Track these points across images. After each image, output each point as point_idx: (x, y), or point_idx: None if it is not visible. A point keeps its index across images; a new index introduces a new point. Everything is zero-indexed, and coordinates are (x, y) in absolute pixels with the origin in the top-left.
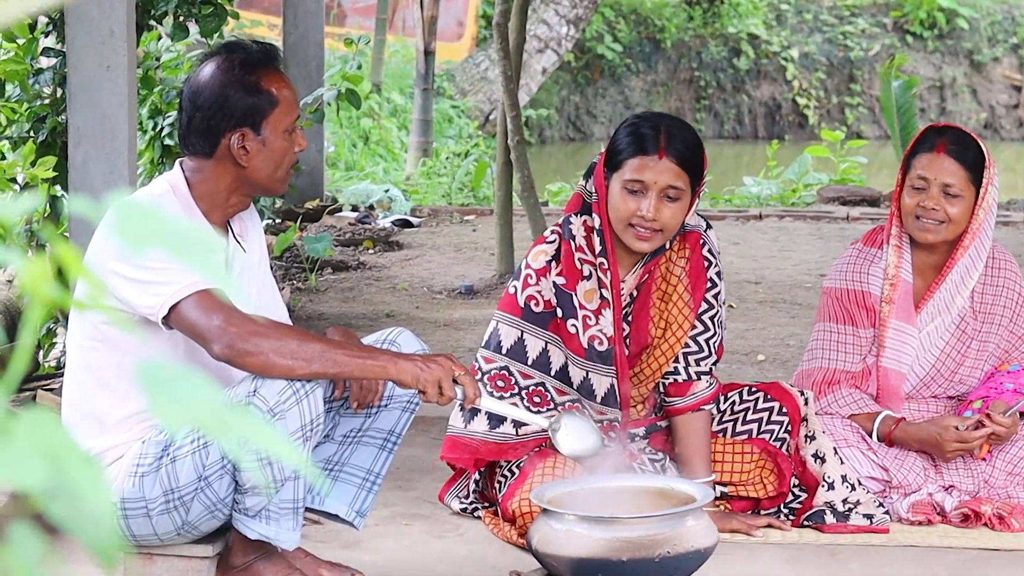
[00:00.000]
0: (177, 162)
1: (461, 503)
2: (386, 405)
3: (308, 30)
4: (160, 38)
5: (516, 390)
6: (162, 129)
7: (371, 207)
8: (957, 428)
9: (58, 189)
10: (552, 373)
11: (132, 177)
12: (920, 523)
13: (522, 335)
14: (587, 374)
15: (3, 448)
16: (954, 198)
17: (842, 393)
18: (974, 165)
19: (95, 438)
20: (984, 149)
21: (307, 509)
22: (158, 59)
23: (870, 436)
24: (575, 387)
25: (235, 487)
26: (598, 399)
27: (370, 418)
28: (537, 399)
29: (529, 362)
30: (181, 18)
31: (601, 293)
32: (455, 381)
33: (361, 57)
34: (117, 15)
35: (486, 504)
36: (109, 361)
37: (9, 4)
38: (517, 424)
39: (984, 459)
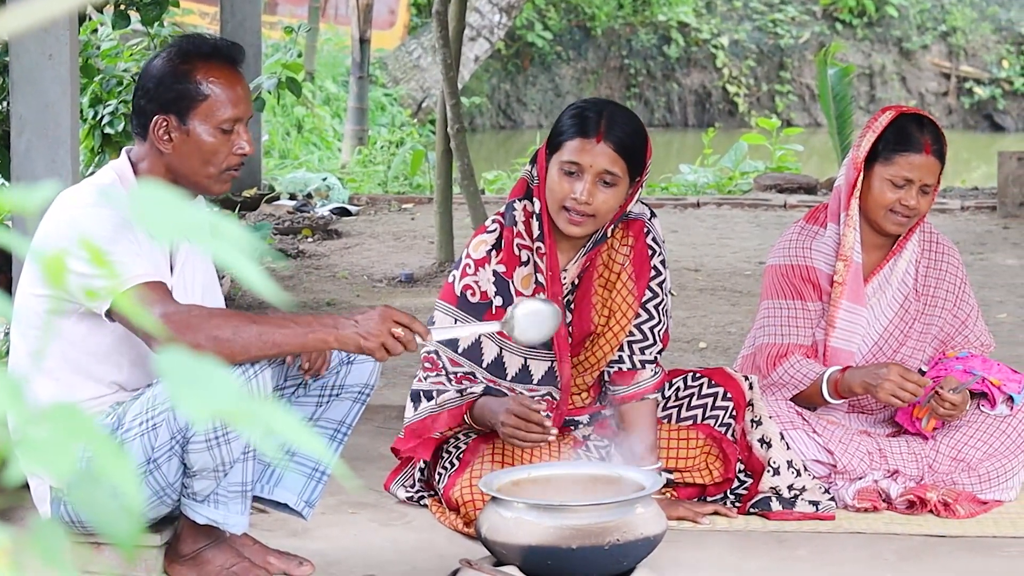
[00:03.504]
0: (124, 150)
1: (407, 492)
2: (337, 395)
3: (245, 18)
4: (96, 29)
5: (443, 373)
6: (102, 118)
7: (309, 195)
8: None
9: None
10: (483, 364)
11: (75, 165)
12: (866, 510)
13: (455, 323)
14: (525, 361)
15: (34, 437)
16: (927, 193)
17: (792, 361)
18: (943, 157)
19: None
20: (944, 136)
21: (255, 498)
22: (98, 48)
23: (824, 396)
24: (509, 377)
25: (183, 471)
26: (534, 381)
27: (321, 407)
28: (466, 382)
29: (459, 350)
30: (122, 6)
31: (537, 278)
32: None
33: (297, 46)
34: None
35: (432, 493)
36: (53, 350)
37: None
38: (438, 394)
39: (930, 435)
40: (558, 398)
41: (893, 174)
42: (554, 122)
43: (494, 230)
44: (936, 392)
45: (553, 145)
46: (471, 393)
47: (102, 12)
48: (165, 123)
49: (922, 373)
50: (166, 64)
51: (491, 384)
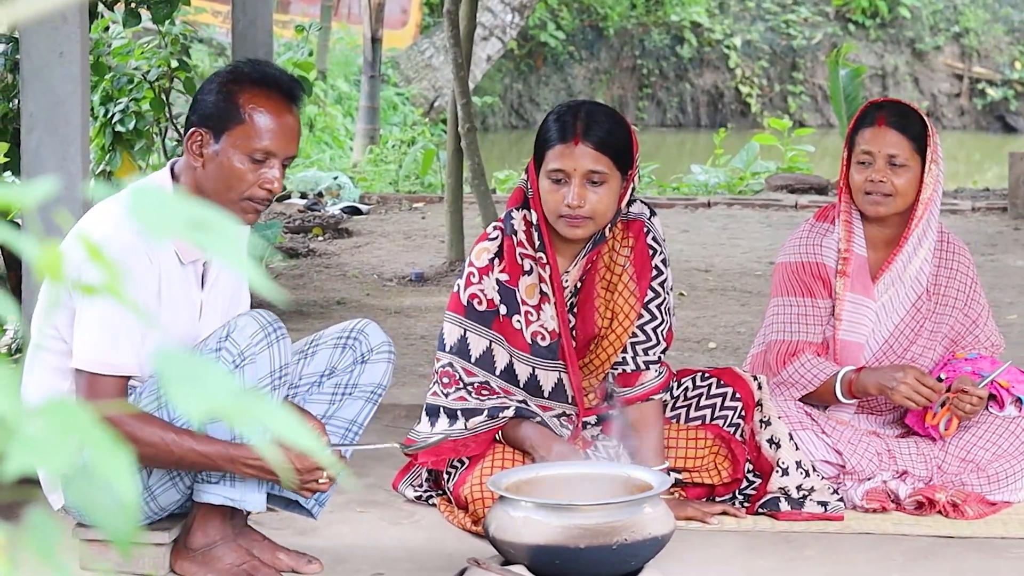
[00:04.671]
0: (168, 163)
1: (415, 491)
2: (350, 394)
3: (257, 16)
4: (108, 27)
5: (460, 385)
6: (113, 116)
7: (320, 194)
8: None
9: (9, 175)
10: (496, 373)
11: (85, 163)
12: (874, 510)
13: (465, 333)
14: (533, 370)
15: (28, 432)
16: (900, 168)
17: (803, 360)
18: (917, 135)
19: None
20: (925, 119)
21: (267, 496)
22: (109, 46)
23: (836, 396)
24: (521, 385)
25: None
26: (545, 395)
27: (333, 406)
28: (485, 392)
29: (472, 360)
30: (133, 4)
31: (541, 288)
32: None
33: (308, 44)
34: (70, 1)
35: (440, 492)
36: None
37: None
38: (466, 415)
39: (945, 438)
40: (573, 415)
41: (856, 154)
42: (536, 133)
43: (496, 238)
44: (961, 390)
45: (539, 156)
46: (503, 417)
47: (113, 10)
48: (200, 137)
49: (939, 380)
50: (216, 80)
51: (509, 397)
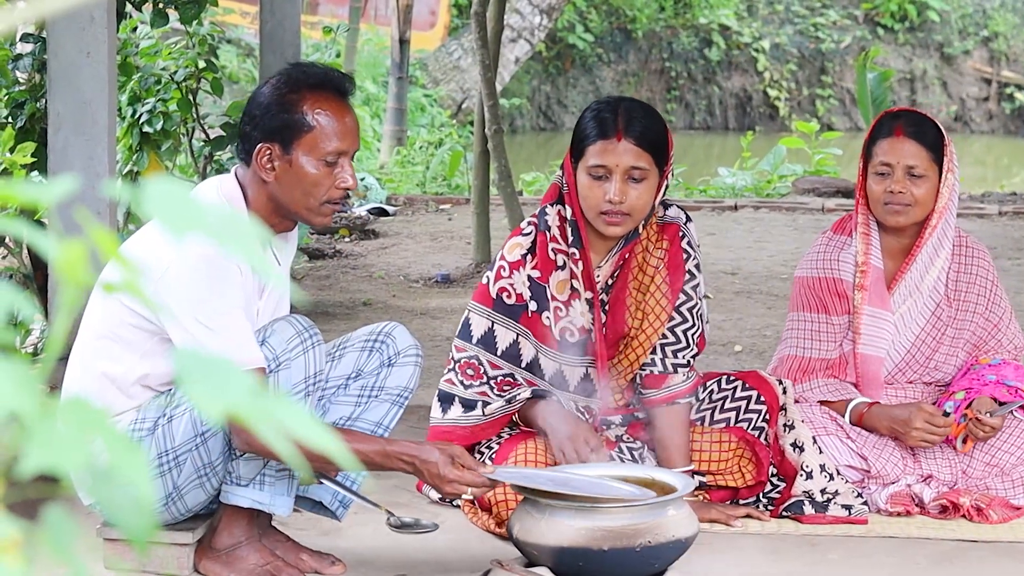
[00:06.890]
0: (233, 171)
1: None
2: (376, 396)
3: (285, 17)
4: (136, 28)
5: (484, 379)
6: (140, 116)
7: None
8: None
9: (36, 175)
10: (522, 365)
11: (111, 164)
12: (899, 514)
13: (492, 325)
14: (560, 366)
15: (44, 431)
16: (919, 179)
17: (818, 382)
18: (934, 145)
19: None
20: (941, 128)
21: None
22: (137, 46)
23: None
24: (547, 379)
25: (229, 452)
26: (571, 388)
27: (359, 408)
28: (507, 388)
29: (498, 352)
30: (161, 5)
31: (572, 284)
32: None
33: (336, 45)
34: (98, 1)
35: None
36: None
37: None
38: (484, 405)
39: (965, 453)
40: (596, 409)
41: (874, 165)
42: (574, 128)
43: (529, 233)
44: (976, 417)
45: (577, 152)
46: (518, 400)
47: (141, 10)
48: (268, 152)
49: (958, 395)
50: (273, 92)
51: (533, 386)
